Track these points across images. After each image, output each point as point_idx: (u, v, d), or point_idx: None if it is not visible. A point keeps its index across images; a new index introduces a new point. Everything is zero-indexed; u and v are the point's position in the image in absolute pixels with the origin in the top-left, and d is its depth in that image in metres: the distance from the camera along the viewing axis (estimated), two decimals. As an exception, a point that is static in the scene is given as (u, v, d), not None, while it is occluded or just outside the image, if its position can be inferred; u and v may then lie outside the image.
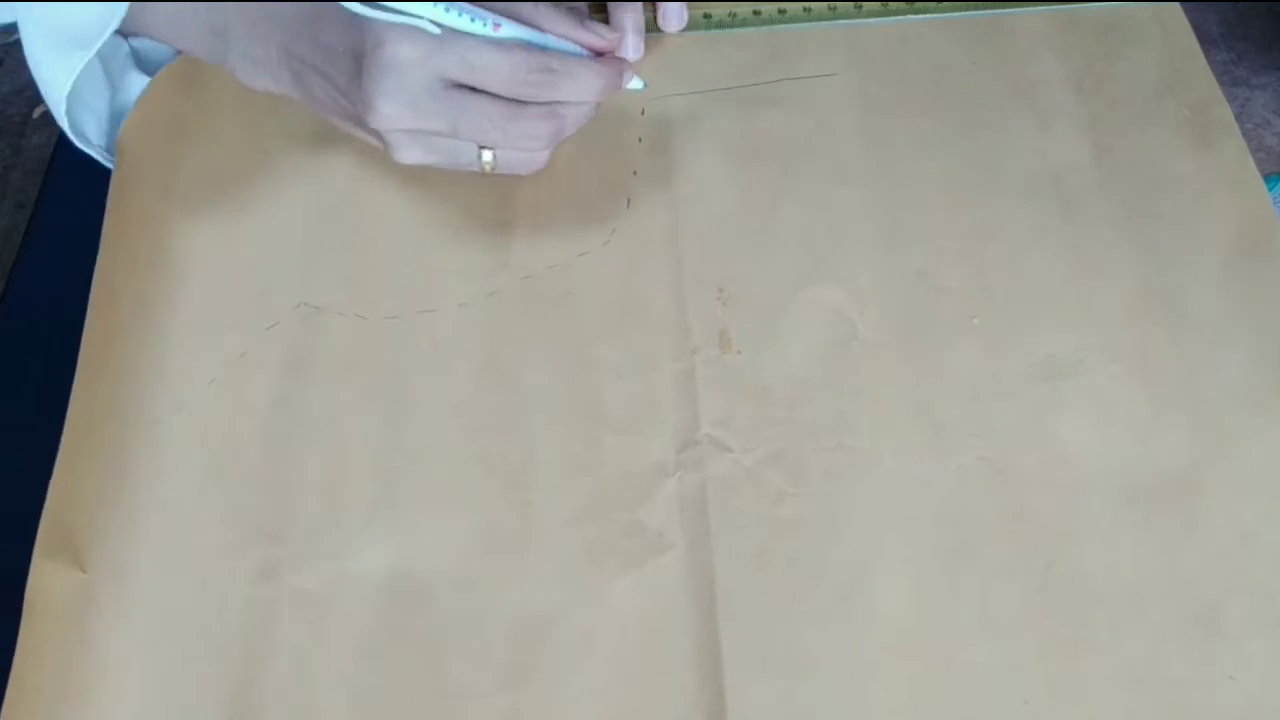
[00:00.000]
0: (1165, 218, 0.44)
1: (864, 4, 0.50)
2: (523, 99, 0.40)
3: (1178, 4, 0.50)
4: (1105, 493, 0.38)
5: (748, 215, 0.44)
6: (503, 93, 0.40)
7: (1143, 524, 0.38)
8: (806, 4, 0.50)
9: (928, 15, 0.50)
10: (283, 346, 0.42)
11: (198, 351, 0.42)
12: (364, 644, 0.36)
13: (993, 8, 0.50)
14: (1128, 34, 0.49)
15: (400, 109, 0.39)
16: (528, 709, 0.35)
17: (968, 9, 0.50)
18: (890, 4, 0.50)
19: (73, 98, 0.43)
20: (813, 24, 0.50)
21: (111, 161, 0.46)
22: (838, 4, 0.50)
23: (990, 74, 0.48)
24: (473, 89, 0.40)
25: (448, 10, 0.39)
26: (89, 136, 0.46)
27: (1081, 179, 0.45)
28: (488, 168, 0.42)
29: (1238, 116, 0.49)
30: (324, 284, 0.43)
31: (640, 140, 0.46)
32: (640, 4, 0.48)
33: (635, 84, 0.45)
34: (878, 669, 0.35)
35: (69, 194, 0.48)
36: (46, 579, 0.37)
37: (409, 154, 0.41)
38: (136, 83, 0.47)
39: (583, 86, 0.41)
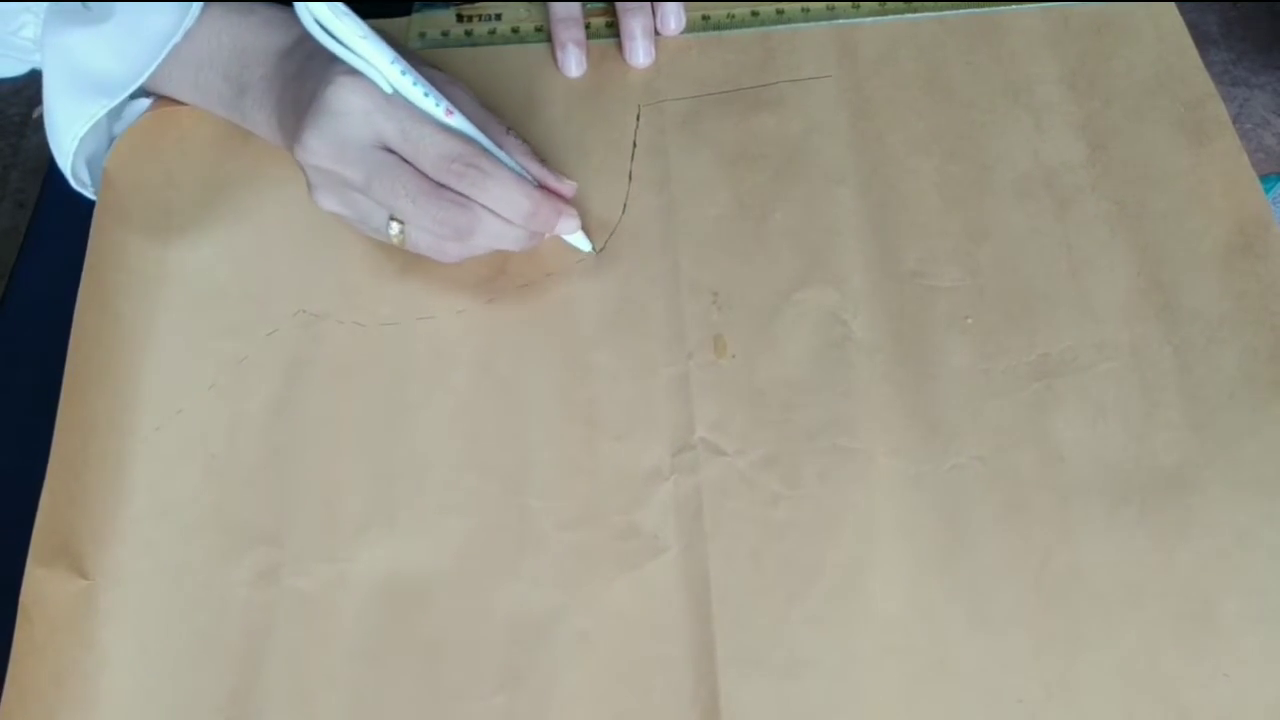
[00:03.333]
0: (1160, 215, 0.44)
1: (862, 3, 0.50)
2: (444, 184, 0.39)
3: (1172, 3, 0.50)
4: (1100, 491, 0.38)
5: (742, 219, 0.45)
6: (428, 172, 0.39)
7: (1137, 522, 0.38)
8: (805, 4, 0.50)
9: (925, 14, 0.50)
10: (282, 353, 0.42)
11: (197, 357, 0.42)
12: (362, 647, 0.36)
13: (987, 6, 0.50)
14: (1122, 32, 0.49)
15: (323, 146, 0.39)
16: (524, 711, 0.35)
17: (963, 7, 0.50)
18: (888, 3, 0.50)
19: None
20: (810, 24, 0.50)
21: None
22: (835, 4, 0.50)
23: (984, 73, 0.48)
24: (401, 158, 0.39)
25: (404, 73, 0.38)
26: (84, 179, 0.46)
27: (1075, 177, 0.45)
28: (395, 240, 0.41)
29: (1237, 116, 0.49)
30: (322, 291, 0.43)
31: (635, 145, 0.47)
32: (649, 7, 0.48)
33: (581, 244, 0.43)
34: (873, 669, 0.36)
35: (69, 194, 0.48)
36: (42, 586, 0.38)
37: (324, 198, 0.41)
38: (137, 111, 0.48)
39: (506, 198, 0.39)
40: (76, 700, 0.36)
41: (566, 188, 0.42)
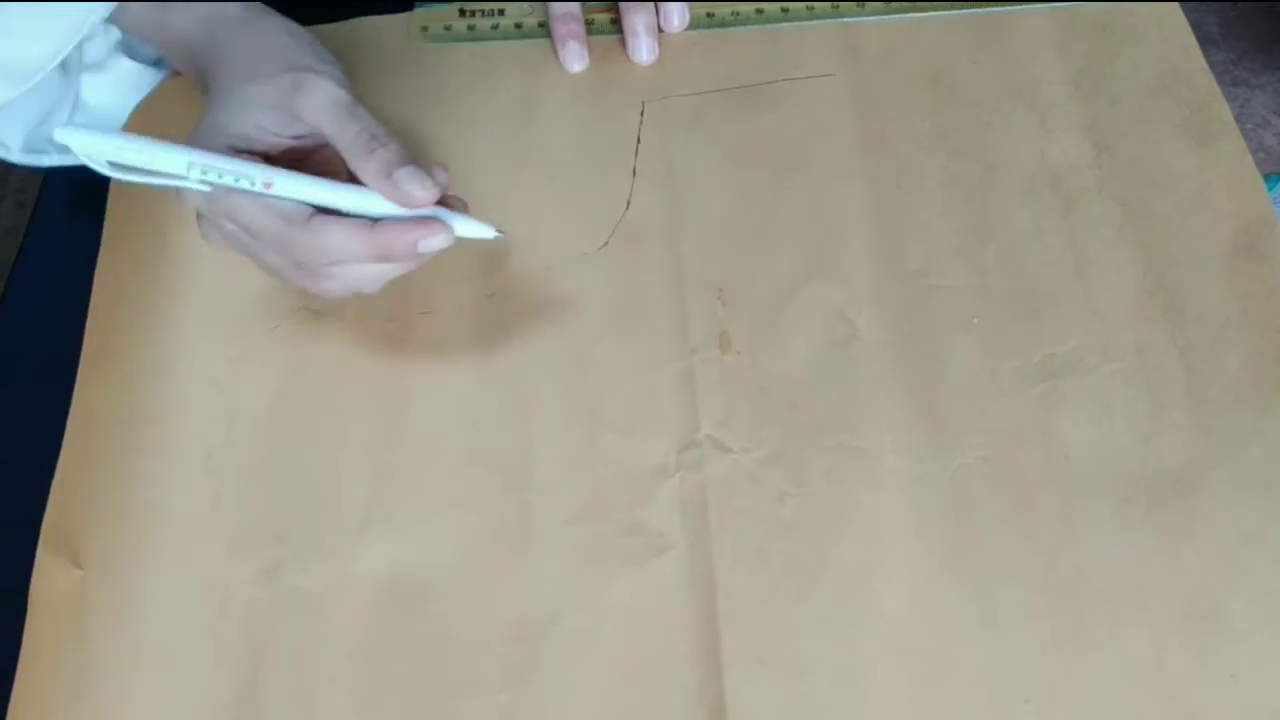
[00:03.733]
0: (1165, 217, 0.44)
1: (866, 3, 0.50)
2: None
3: (1176, 3, 0.50)
4: (1105, 491, 0.38)
5: (747, 215, 0.44)
6: (278, 251, 0.37)
7: (1143, 522, 0.38)
8: (809, 3, 0.50)
9: (930, 13, 0.50)
10: (283, 349, 0.42)
11: (198, 351, 0.42)
12: (364, 643, 0.36)
13: (992, 6, 0.50)
14: (1127, 33, 0.49)
15: (213, 244, 0.38)
16: (527, 708, 0.35)
17: (969, 7, 0.50)
18: (892, 2, 0.50)
19: None
20: (815, 22, 0.50)
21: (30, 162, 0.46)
22: (840, 3, 0.50)
23: (989, 73, 0.48)
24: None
25: (205, 172, 0.35)
26: (41, 147, 0.45)
27: (1081, 178, 0.45)
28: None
29: (1238, 116, 0.49)
30: None
31: (639, 141, 0.46)
32: (652, 6, 0.48)
33: (477, 232, 0.38)
34: (879, 668, 0.35)
35: (69, 194, 0.48)
36: (49, 575, 0.38)
37: (213, 238, 0.39)
38: (124, 66, 0.47)
39: (347, 251, 0.36)
40: (71, 692, 0.36)
41: (421, 197, 0.36)
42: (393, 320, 0.42)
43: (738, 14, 0.50)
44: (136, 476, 0.40)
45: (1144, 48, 0.49)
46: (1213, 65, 0.48)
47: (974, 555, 0.37)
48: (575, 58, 0.48)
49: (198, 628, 0.37)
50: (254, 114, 0.37)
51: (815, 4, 0.50)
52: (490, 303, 0.43)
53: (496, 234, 0.38)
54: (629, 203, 0.45)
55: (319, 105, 0.37)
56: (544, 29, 0.50)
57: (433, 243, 0.37)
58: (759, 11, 0.50)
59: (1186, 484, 0.38)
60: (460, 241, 0.38)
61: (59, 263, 0.46)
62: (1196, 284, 0.43)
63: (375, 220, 0.37)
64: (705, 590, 0.37)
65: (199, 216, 0.38)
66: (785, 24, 0.50)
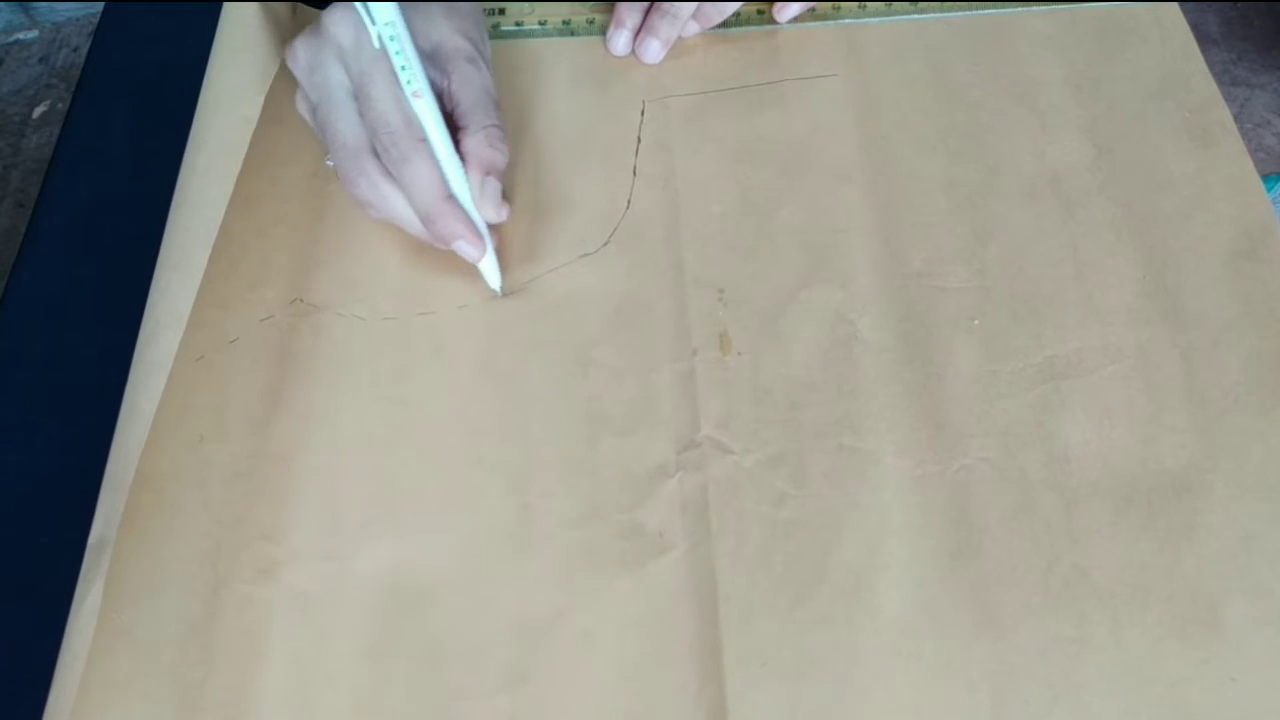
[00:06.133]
0: (1165, 219, 0.44)
1: (868, 4, 0.50)
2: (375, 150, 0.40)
3: (1176, 5, 0.50)
4: (1106, 493, 0.38)
5: (748, 216, 0.44)
6: (366, 131, 0.39)
7: (1144, 524, 0.38)
8: (810, 3, 0.50)
9: (930, 14, 0.50)
10: (277, 340, 0.42)
11: (189, 321, 0.41)
12: (363, 645, 0.36)
13: (993, 8, 0.50)
14: (1127, 35, 0.49)
15: (303, 58, 0.40)
16: (527, 711, 0.35)
17: (969, 8, 0.50)
18: (894, 3, 0.50)
19: None
20: (816, 23, 0.50)
21: None
22: (841, 4, 0.50)
23: (990, 75, 0.48)
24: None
25: (391, 40, 0.37)
26: None
27: (1081, 180, 0.45)
28: (330, 168, 0.42)
29: (1238, 116, 0.49)
30: (321, 283, 0.43)
31: (640, 140, 0.46)
32: (681, 20, 0.48)
33: (489, 278, 0.42)
34: (880, 669, 0.35)
35: (69, 194, 0.48)
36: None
37: (299, 101, 0.42)
38: None
39: (413, 190, 0.39)
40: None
41: (490, 214, 0.41)
42: (392, 319, 0.42)
43: (739, 14, 0.50)
44: (117, 444, 0.39)
45: (1144, 50, 0.49)
46: (1212, 65, 0.49)
47: (974, 557, 0.37)
48: (622, 44, 0.49)
49: (192, 626, 0.36)
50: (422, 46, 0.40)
51: (816, 5, 0.50)
52: (490, 303, 0.43)
53: (499, 289, 0.42)
54: (629, 203, 0.45)
55: (475, 85, 0.41)
56: (545, 28, 0.50)
57: (467, 250, 0.40)
58: (760, 12, 0.50)
59: (1187, 486, 0.38)
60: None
61: (59, 263, 0.46)
62: (1197, 286, 0.43)
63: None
64: (706, 592, 0.37)
65: (298, 88, 0.41)
66: (786, 25, 0.50)
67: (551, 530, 0.38)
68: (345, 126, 0.39)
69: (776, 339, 0.41)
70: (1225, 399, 0.40)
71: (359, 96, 0.39)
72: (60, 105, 1.42)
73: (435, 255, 0.43)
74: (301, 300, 0.43)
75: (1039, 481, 0.38)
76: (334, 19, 0.39)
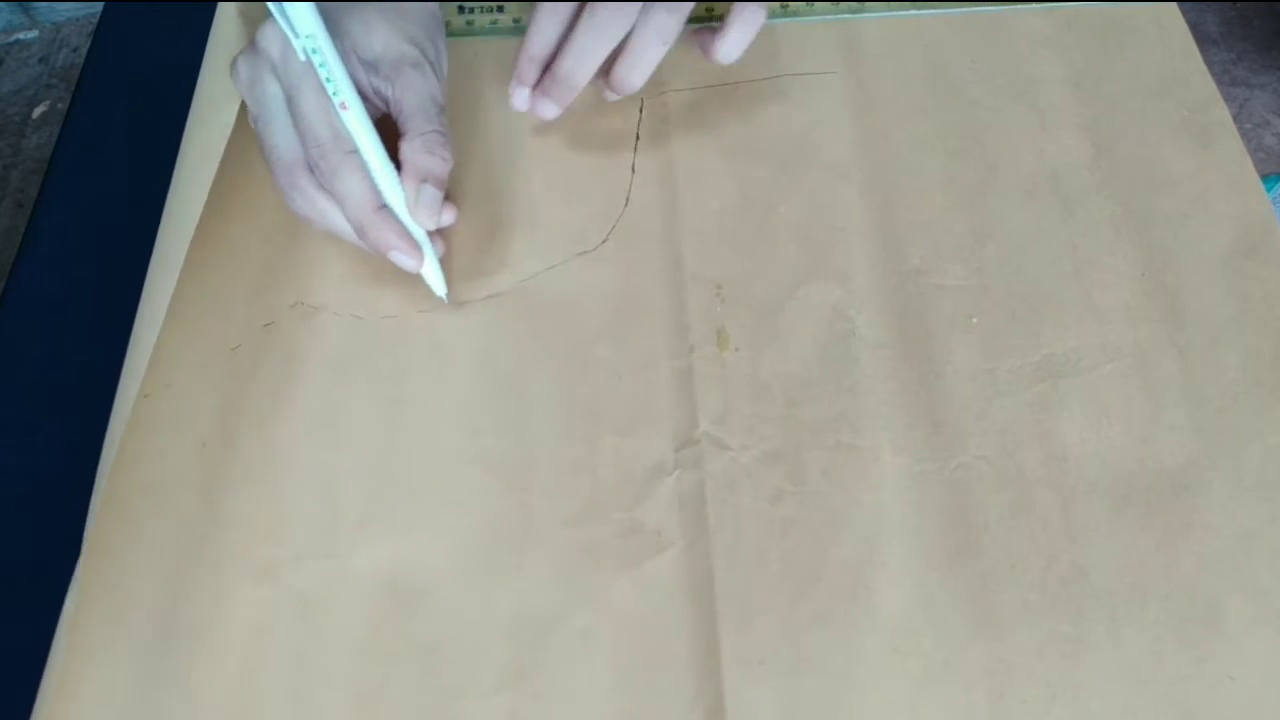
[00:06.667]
0: (1164, 218, 0.44)
1: (867, 0, 0.50)
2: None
3: (1175, 4, 0.50)
4: (1104, 492, 0.38)
5: (746, 212, 0.44)
6: (300, 140, 0.39)
7: (1142, 523, 0.38)
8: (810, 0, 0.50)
9: (929, 10, 0.50)
10: (280, 345, 0.42)
11: (186, 335, 0.42)
12: (363, 644, 0.36)
13: (992, 5, 0.50)
14: (1126, 34, 0.49)
15: (243, 72, 0.40)
16: (526, 709, 0.35)
17: (969, 6, 0.50)
18: (893, 0, 0.50)
19: None
20: (815, 19, 0.50)
21: None
22: (840, 0, 0.50)
23: (989, 73, 0.48)
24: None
25: (314, 52, 0.37)
26: None
27: (1080, 178, 0.45)
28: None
29: (1237, 116, 0.49)
30: (321, 284, 0.43)
31: (638, 137, 0.46)
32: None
33: (434, 285, 0.42)
34: (877, 668, 0.35)
35: (69, 194, 0.48)
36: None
37: (250, 114, 0.41)
38: None
39: (345, 200, 0.39)
40: (59, 691, 0.36)
41: (426, 221, 0.40)
42: (391, 318, 0.42)
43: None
44: (122, 449, 0.39)
45: (1144, 49, 0.49)
46: (1212, 65, 0.49)
47: (972, 555, 0.37)
48: (519, 101, 0.44)
49: (190, 625, 0.36)
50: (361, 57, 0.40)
51: (816, 1, 0.50)
52: (489, 301, 0.43)
53: (444, 295, 0.42)
54: (628, 199, 0.45)
55: (417, 91, 0.40)
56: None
57: (403, 260, 0.41)
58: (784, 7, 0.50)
59: (1185, 484, 0.38)
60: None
61: (59, 263, 0.46)
62: (1195, 285, 0.43)
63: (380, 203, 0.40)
64: (703, 589, 0.37)
65: (241, 59, 0.40)
66: (785, 20, 0.50)
67: (550, 529, 0.38)
68: (280, 140, 0.39)
69: (774, 335, 0.41)
70: (1224, 398, 0.40)
71: (291, 110, 0.39)
72: (60, 105, 1.42)
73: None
74: (302, 303, 0.43)
75: (1037, 480, 0.38)
76: (265, 33, 0.39)
